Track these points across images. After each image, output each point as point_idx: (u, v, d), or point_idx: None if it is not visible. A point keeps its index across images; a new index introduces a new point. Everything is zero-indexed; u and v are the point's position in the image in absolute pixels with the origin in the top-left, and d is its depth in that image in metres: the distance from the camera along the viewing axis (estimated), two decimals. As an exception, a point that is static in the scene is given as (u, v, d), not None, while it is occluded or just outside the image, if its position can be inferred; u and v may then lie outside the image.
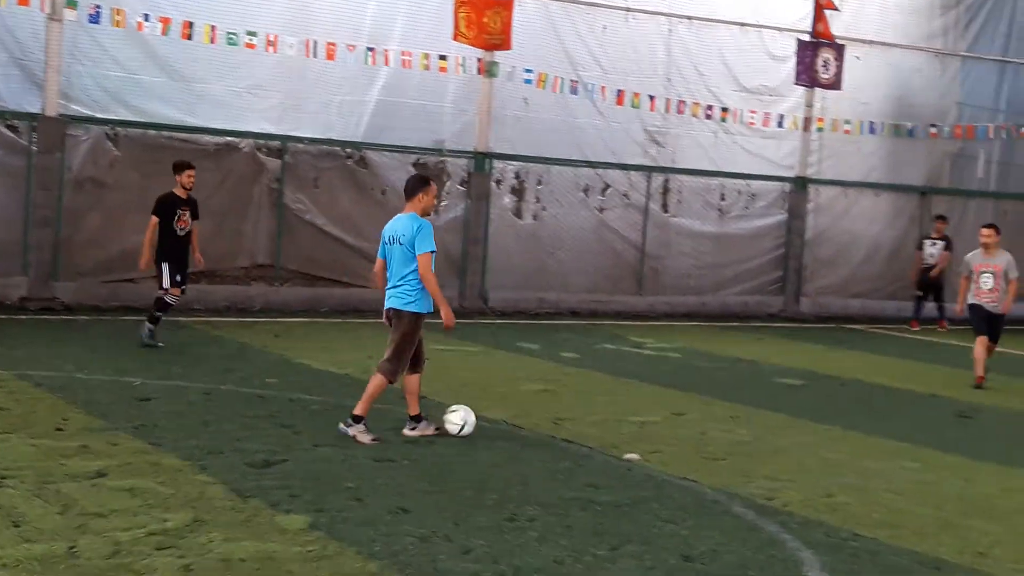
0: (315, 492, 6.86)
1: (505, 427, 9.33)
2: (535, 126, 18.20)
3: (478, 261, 17.74)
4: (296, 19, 16.22)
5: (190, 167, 12.32)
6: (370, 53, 16.41)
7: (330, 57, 16.16)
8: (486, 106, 17.71)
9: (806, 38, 19.59)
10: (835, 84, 19.79)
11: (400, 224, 8.55)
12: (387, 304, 8.55)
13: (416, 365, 8.66)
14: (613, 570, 5.85)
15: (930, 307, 19.74)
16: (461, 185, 17.75)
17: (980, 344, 13.08)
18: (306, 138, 16.50)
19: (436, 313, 8.51)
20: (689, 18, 19.26)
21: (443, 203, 17.49)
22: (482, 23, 16.51)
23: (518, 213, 18.31)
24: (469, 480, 7.46)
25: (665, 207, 19.46)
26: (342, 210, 16.77)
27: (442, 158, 17.55)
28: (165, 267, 12.11)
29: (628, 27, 18.82)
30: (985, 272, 13.06)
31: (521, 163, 18.14)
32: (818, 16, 19.53)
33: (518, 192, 18.30)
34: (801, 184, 20.41)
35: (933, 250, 19.61)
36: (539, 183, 18.35)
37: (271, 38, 15.72)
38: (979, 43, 21.69)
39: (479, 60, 17.28)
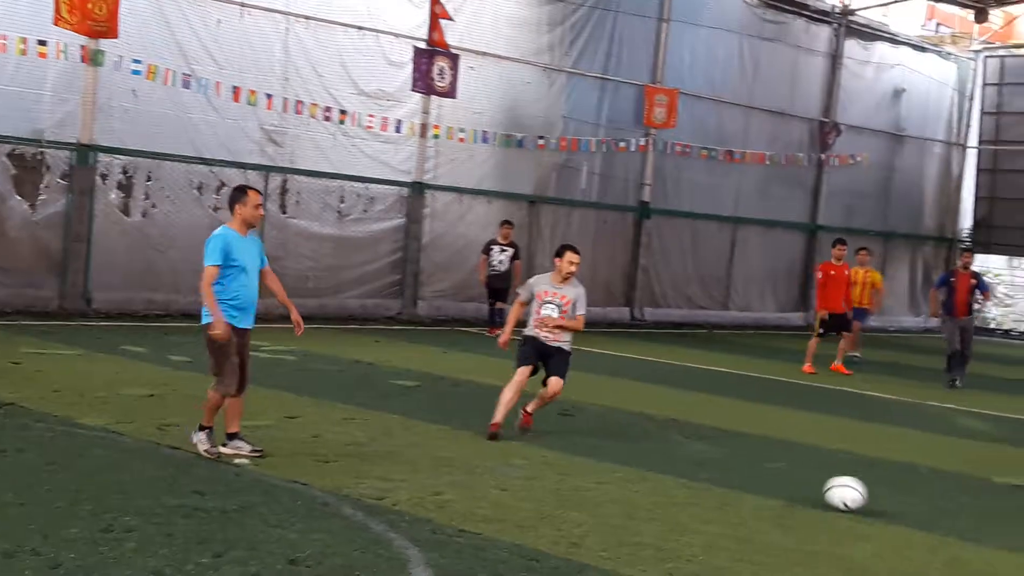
0: None
1: (104, 434, 8.79)
2: (145, 119, 17.38)
3: (80, 259, 16.71)
4: None
5: None
6: (-40, 34, 15.08)
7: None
8: (90, 96, 16.73)
9: (423, 46, 19.96)
10: (450, 92, 20.30)
11: None
12: None
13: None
14: (215, 579, 5.62)
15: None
16: (62, 179, 16.66)
17: (516, 383, 10.20)
18: None
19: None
20: (307, 18, 19.08)
21: (41, 197, 16.34)
22: (86, 9, 15.62)
23: (125, 210, 17.43)
24: (62, 490, 6.95)
25: (283, 208, 19.19)
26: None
27: (40, 149, 16.40)
28: None
29: (243, 23, 18.38)
30: (550, 303, 10.25)
31: (129, 157, 17.29)
32: (433, 25, 19.96)
33: (126, 188, 17.42)
34: (418, 189, 20.76)
35: (502, 256, 19.42)
36: (149, 179, 17.57)
37: None
38: (582, 60, 22.92)
39: (83, 47, 16.30)
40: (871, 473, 9.83)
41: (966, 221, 31.62)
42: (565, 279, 10.28)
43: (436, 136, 20.67)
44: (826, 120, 27.54)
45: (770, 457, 10.29)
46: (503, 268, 19.34)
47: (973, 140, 31.37)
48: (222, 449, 8.40)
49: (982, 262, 28.98)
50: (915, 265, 30.90)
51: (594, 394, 13.00)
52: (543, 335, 10.27)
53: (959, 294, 16.98)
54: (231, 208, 8.59)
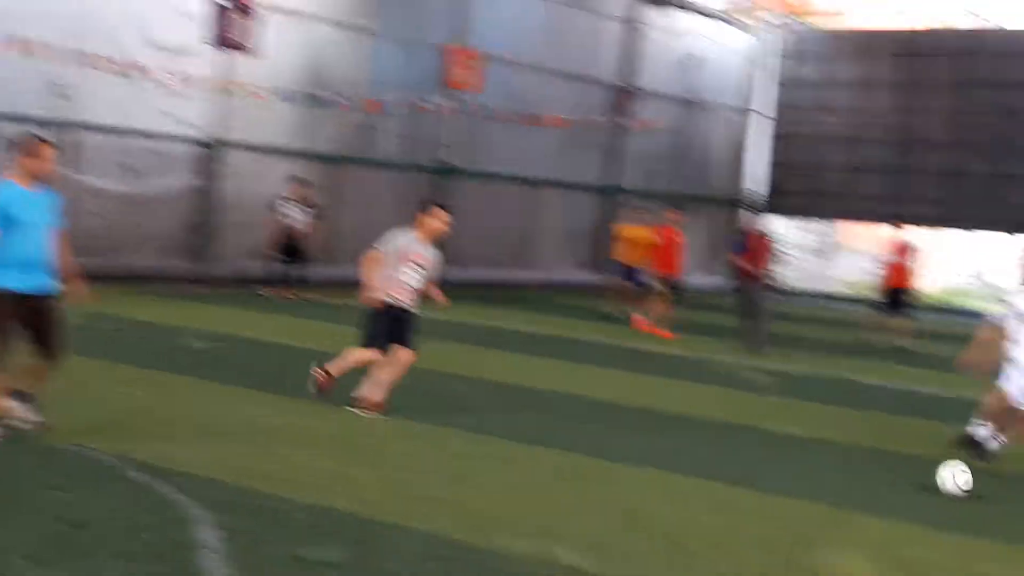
0: None
1: None
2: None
3: None
4: None
5: None
6: None
7: None
8: None
9: (221, 1, 19.41)
10: (249, 48, 19.83)
11: None
12: None
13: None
14: (-11, 545, 5.41)
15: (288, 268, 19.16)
16: None
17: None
18: None
19: None
20: (98, -34, 18.30)
21: None
22: None
23: None
24: None
25: (71, 164, 18.39)
26: None
27: None
28: None
29: (28, -29, 17.48)
30: (419, 268, 9.49)
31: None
32: (233, -21, 19.43)
33: None
34: (216, 147, 20.24)
35: (294, 213, 18.94)
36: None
37: None
38: (388, 21, 22.73)
39: None
40: (644, 422, 10.22)
41: (759, 185, 32.88)
42: (437, 240, 9.49)
43: (234, 93, 20.16)
44: (625, 85, 28.14)
45: (552, 409, 10.53)
46: (296, 226, 18.90)
47: (767, 108, 32.61)
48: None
49: (777, 225, 30.19)
50: (710, 227, 31.96)
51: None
52: (406, 303, 9.47)
53: (754, 257, 16.79)
54: (14, 160, 7.96)
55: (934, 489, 8.26)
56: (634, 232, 19.52)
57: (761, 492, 7.93)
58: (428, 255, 9.43)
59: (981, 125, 29.19)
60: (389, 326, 9.40)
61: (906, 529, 7.29)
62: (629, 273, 19.44)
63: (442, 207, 9.52)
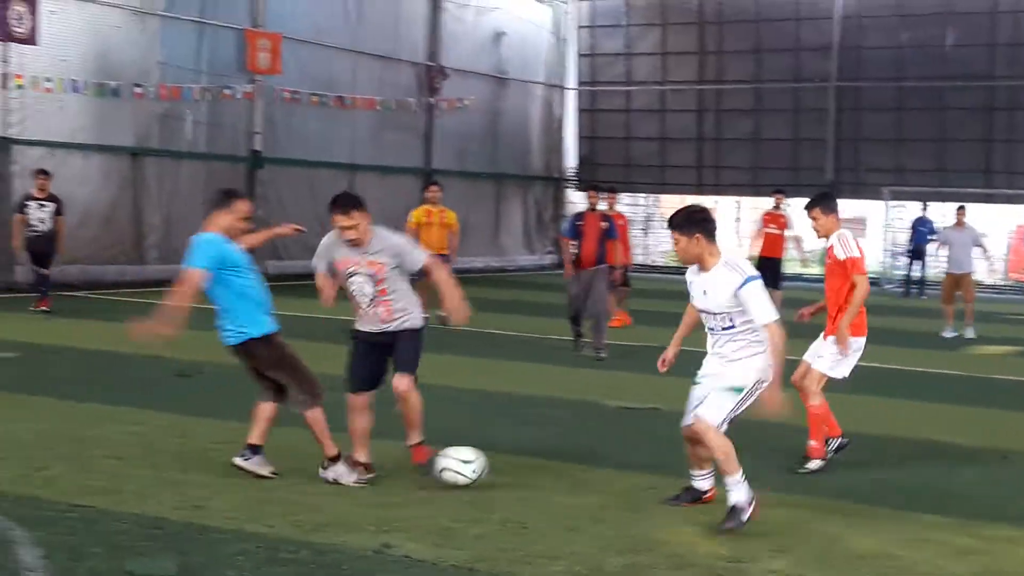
0: None
1: None
2: None
3: None
4: None
5: None
6: None
7: None
8: None
9: (-5, -11, 18.29)
10: (31, 39, 18.77)
11: None
12: None
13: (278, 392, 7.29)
14: None
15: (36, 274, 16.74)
16: None
17: (356, 411, 7.45)
18: None
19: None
20: None
21: None
22: None
23: None
24: None
25: None
26: None
27: None
28: None
29: None
30: (359, 274, 7.29)
31: None
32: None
33: None
34: (3, 145, 19.09)
35: (43, 214, 16.24)
36: None
37: None
38: (176, 3, 21.81)
39: None
40: (486, 406, 10.09)
41: (571, 160, 33.17)
42: (355, 243, 7.24)
43: (20, 87, 19.04)
44: (432, 64, 27.88)
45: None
46: (44, 227, 16.30)
47: (571, 82, 32.88)
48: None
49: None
50: (527, 205, 32.09)
51: (216, 352, 12.51)
52: (374, 326, 7.36)
53: (587, 241, 13.92)
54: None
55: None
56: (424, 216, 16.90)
57: (606, 469, 7.86)
58: (368, 258, 7.23)
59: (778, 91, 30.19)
60: (366, 368, 7.40)
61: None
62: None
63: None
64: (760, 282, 6.53)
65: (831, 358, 8.16)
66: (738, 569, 5.77)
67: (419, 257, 7.33)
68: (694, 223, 6.57)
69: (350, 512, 6.49)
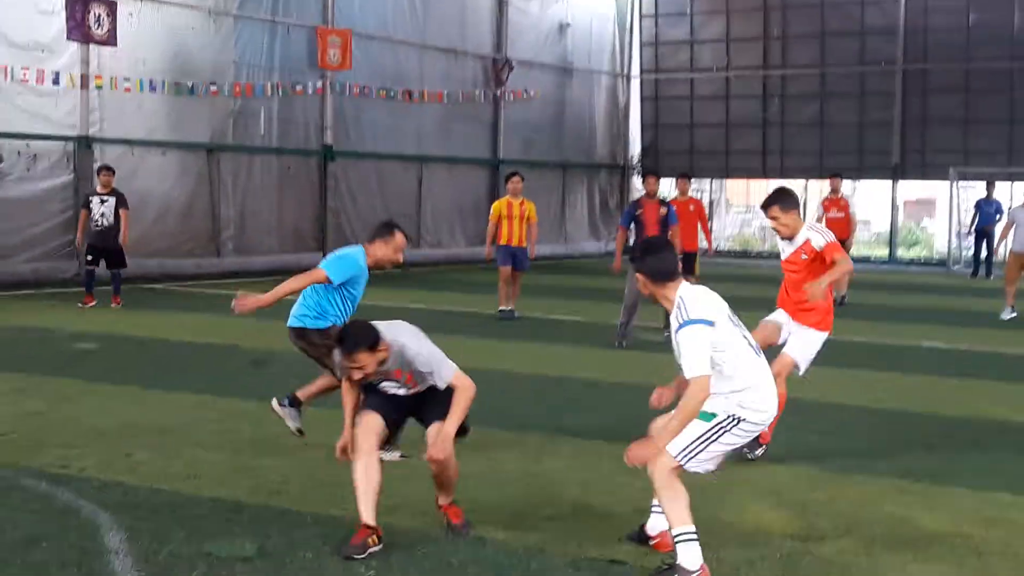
0: None
1: None
2: None
3: None
4: None
5: None
6: None
7: None
8: None
9: (76, -7, 18.79)
10: (110, 40, 19.25)
11: None
12: None
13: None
14: None
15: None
16: None
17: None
18: None
19: None
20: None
21: None
22: None
23: None
24: None
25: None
26: None
27: None
28: None
29: None
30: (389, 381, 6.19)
31: None
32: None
33: None
34: (85, 144, 19.63)
35: (105, 208, 16.03)
36: None
37: None
38: (249, 3, 22.24)
39: None
40: (551, 391, 10.20)
41: (635, 148, 33.16)
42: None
43: (99, 87, 19.57)
44: (498, 56, 28.06)
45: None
46: (106, 221, 16.03)
47: (635, 71, 32.85)
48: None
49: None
50: (592, 193, 32.19)
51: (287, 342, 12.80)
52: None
53: (647, 229, 13.72)
54: (371, 240, 7.86)
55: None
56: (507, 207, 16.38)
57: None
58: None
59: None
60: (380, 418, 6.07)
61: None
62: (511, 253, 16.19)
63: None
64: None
65: (803, 351, 7.84)
66: (806, 548, 5.85)
67: (447, 376, 6.01)
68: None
69: (421, 495, 6.66)
